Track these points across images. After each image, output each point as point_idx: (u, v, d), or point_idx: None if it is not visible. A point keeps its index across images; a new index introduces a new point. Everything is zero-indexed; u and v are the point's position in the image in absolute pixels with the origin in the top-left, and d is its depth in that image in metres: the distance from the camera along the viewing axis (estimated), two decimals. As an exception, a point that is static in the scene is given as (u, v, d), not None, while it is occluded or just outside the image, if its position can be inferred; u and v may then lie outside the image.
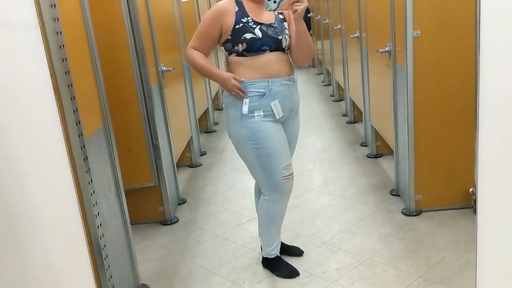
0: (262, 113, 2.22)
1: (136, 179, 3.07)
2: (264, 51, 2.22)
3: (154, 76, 3.17)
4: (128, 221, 2.38)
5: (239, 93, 2.21)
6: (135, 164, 3.03)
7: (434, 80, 2.79)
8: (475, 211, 1.31)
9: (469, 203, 2.95)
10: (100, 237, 2.00)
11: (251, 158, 2.28)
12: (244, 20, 2.20)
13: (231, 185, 3.83)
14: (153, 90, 3.05)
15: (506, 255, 1.21)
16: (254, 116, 2.22)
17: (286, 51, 2.31)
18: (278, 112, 2.24)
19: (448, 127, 2.85)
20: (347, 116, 5.59)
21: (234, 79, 2.21)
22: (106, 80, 2.26)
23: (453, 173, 2.92)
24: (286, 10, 2.23)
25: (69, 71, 1.79)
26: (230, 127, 2.30)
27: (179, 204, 3.52)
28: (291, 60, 2.36)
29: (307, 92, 7.45)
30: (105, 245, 2.04)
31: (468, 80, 2.72)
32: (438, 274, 2.35)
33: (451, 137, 2.87)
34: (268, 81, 2.21)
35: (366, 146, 4.41)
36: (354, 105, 5.24)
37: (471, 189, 2.90)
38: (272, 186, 2.31)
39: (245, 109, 2.21)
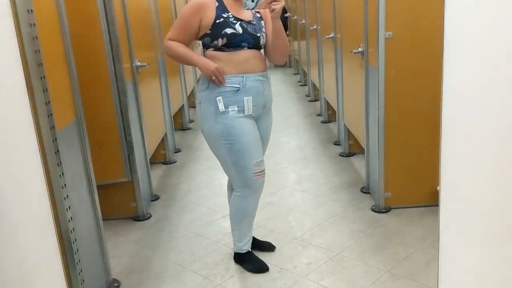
0: (236, 108, 2.24)
1: (109, 174, 3.05)
2: (242, 47, 2.24)
3: (129, 72, 3.16)
4: (100, 216, 2.37)
5: (219, 78, 2.20)
6: (108, 159, 3.02)
7: (405, 81, 2.86)
8: (439, 207, 1.36)
9: (436, 201, 3.02)
10: (71, 231, 1.99)
11: (223, 154, 2.31)
12: (224, 15, 2.23)
13: (205, 182, 3.84)
14: (127, 86, 3.04)
15: (466, 251, 1.26)
16: (228, 112, 2.24)
17: (261, 49, 2.35)
18: (249, 109, 2.26)
19: (417, 127, 2.93)
20: (321, 115, 5.66)
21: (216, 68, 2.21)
22: (79, 74, 2.25)
23: (422, 171, 3.00)
24: (263, 9, 2.27)
25: (41, 63, 1.78)
26: (203, 123, 2.32)
27: (152, 201, 3.51)
28: (267, 58, 2.40)
29: (283, 91, 7.51)
30: (75, 239, 2.03)
31: (437, 81, 2.78)
32: (405, 269, 2.41)
33: (420, 137, 2.94)
34: (243, 77, 2.24)
35: (339, 145, 4.48)
36: (328, 105, 5.31)
37: (438, 187, 2.98)
38: (244, 182, 2.34)
39: (221, 106, 2.23)
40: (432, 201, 3.04)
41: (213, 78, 2.22)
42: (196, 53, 2.34)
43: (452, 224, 1.34)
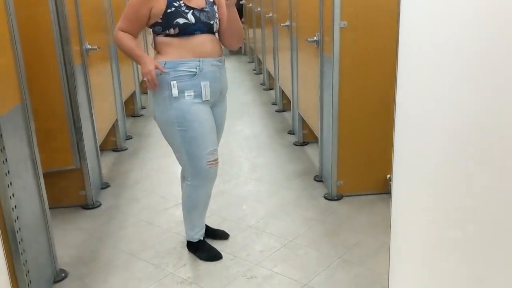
0: (192, 93, 2.19)
1: (57, 161, 2.94)
2: (196, 34, 2.20)
3: (78, 55, 3.03)
4: (46, 204, 2.28)
5: (151, 82, 2.13)
6: (55, 146, 2.90)
7: (359, 70, 2.90)
8: (391, 197, 1.39)
9: (386, 189, 3.11)
10: (15, 220, 1.90)
11: (177, 141, 2.25)
12: (176, 4, 2.16)
13: (157, 170, 3.77)
14: (76, 69, 2.92)
15: (417, 237, 1.29)
16: (184, 97, 2.18)
17: (215, 34, 2.31)
18: (206, 94, 2.22)
19: (370, 116, 2.98)
20: (276, 104, 5.67)
21: (156, 68, 2.14)
22: (26, 56, 2.15)
23: (373, 160, 3.06)
24: None
25: (-19, 42, 1.67)
26: (156, 109, 2.25)
27: (102, 189, 3.42)
28: (221, 43, 2.36)
29: (238, 79, 7.47)
30: (19, 228, 1.94)
31: (391, 70, 2.84)
32: (356, 255, 2.46)
33: (372, 126, 3.00)
34: (199, 61, 2.19)
35: (294, 134, 4.51)
36: (283, 94, 5.32)
37: (388, 176, 3.06)
38: (196, 171, 2.29)
39: (174, 91, 2.17)
40: (382, 188, 3.12)
41: (145, 79, 2.15)
42: (140, 48, 2.28)
43: (403, 211, 1.37)
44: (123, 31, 2.24)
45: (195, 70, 2.18)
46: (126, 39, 2.23)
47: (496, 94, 0.89)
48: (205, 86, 2.21)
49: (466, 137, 0.99)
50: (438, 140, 1.12)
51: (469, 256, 1.05)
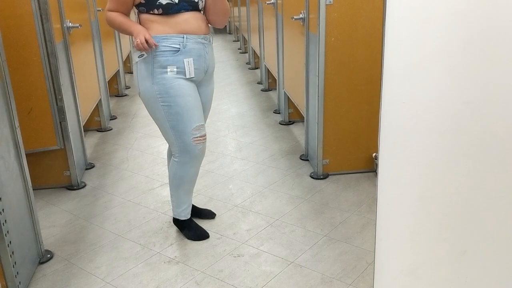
0: (175, 69, 2.16)
1: (39, 142, 2.89)
2: (180, 12, 2.16)
3: (59, 33, 2.96)
4: (30, 185, 2.25)
5: (145, 45, 2.08)
6: (38, 126, 2.85)
7: (344, 48, 2.88)
8: (377, 175, 1.39)
9: (372, 167, 3.13)
10: (-3, 201, 1.87)
11: (161, 117, 2.22)
12: None
13: (142, 150, 3.74)
14: (58, 48, 2.86)
15: (402, 214, 1.30)
16: (166, 72, 2.15)
17: (201, 11, 2.26)
18: (190, 71, 2.19)
19: (355, 94, 2.98)
20: (262, 84, 5.65)
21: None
22: (4, 34, 2.09)
23: (359, 138, 3.07)
24: None
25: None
26: (140, 84, 2.22)
27: (86, 169, 3.38)
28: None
29: (223, 58, 7.41)
30: (3, 209, 1.92)
31: (376, 49, 2.84)
32: (342, 233, 2.49)
33: (358, 105, 3.00)
34: (183, 37, 2.15)
35: (279, 113, 4.50)
36: (269, 73, 5.29)
37: (374, 154, 3.08)
38: (183, 148, 2.27)
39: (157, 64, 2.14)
40: (368, 167, 3.14)
41: (138, 41, 2.09)
42: (134, 22, 2.23)
43: (389, 188, 1.37)
44: (112, 11, 2.21)
45: (178, 46, 2.15)
46: (118, 16, 2.21)
47: (485, 70, 0.89)
48: (188, 63, 2.17)
49: (453, 114, 0.99)
50: (424, 118, 1.12)
51: (454, 231, 1.06)
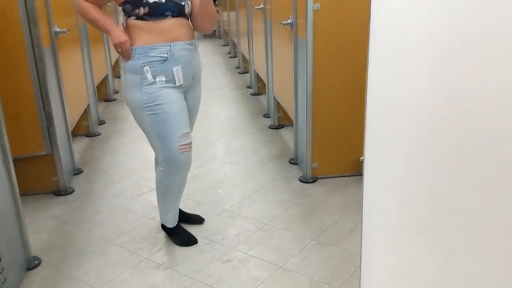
0: (164, 79, 2.16)
1: (27, 147, 2.88)
2: (166, 16, 2.16)
3: (47, 38, 2.96)
4: (17, 190, 2.24)
5: (125, 52, 2.13)
6: (25, 131, 2.84)
7: (332, 53, 2.90)
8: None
9: (360, 171, 3.15)
10: (-16, 208, 1.86)
11: (148, 126, 2.22)
12: None
13: (131, 155, 3.73)
14: (45, 53, 2.85)
15: (387, 218, 1.31)
16: (155, 82, 2.15)
17: (187, 17, 2.27)
18: (179, 79, 2.19)
19: (343, 99, 3.00)
20: (251, 88, 5.66)
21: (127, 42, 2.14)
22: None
23: (347, 142, 3.09)
24: None
25: None
26: (128, 94, 2.22)
27: (75, 174, 3.37)
28: (193, 27, 2.33)
29: (213, 63, 7.41)
30: (-11, 216, 1.90)
31: (364, 53, 2.86)
32: (330, 236, 2.50)
33: (346, 109, 3.02)
34: (170, 45, 2.16)
35: (269, 117, 4.51)
36: (258, 77, 5.31)
37: (361, 158, 3.10)
38: (168, 157, 2.26)
39: (149, 77, 2.14)
40: (356, 170, 3.16)
41: (119, 50, 2.15)
42: (109, 19, 2.23)
43: (374, 192, 1.38)
44: (86, 1, 2.19)
45: (166, 55, 2.15)
46: (92, 9, 2.19)
47: (467, 74, 0.90)
48: (177, 71, 2.18)
49: (437, 119, 1.01)
50: (408, 123, 1.13)
51: (438, 236, 1.07)
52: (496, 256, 0.97)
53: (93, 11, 2.19)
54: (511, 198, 0.89)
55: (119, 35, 2.13)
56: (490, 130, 0.89)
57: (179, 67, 2.18)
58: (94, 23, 2.23)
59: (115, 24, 2.21)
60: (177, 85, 2.20)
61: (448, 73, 0.96)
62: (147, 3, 2.10)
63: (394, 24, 1.16)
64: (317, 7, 2.78)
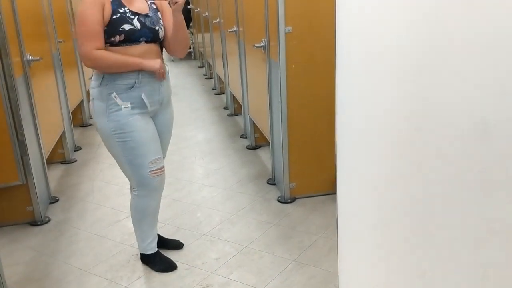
0: (129, 105, 2.17)
1: (1, 177, 2.83)
2: (140, 42, 2.17)
3: (19, 67, 2.93)
4: (-10, 223, 2.19)
5: (163, 75, 2.22)
6: (-2, 161, 2.79)
7: (305, 75, 2.95)
8: (337, 198, 1.43)
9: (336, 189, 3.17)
10: (-45, 243, 1.81)
11: (117, 153, 2.22)
12: (121, 11, 2.13)
13: (108, 181, 3.69)
14: (17, 82, 2.82)
15: (362, 237, 1.33)
16: (121, 109, 2.16)
17: (159, 42, 2.29)
18: (145, 105, 2.20)
19: (318, 119, 3.04)
20: (228, 109, 5.68)
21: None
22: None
23: (323, 161, 3.12)
24: (162, 0, 2.22)
25: None
26: (97, 120, 2.22)
27: (50, 203, 3.31)
28: (166, 51, 2.35)
29: (189, 84, 7.43)
30: (-39, 252, 1.86)
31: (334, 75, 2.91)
32: (310, 257, 2.51)
33: (320, 129, 3.06)
34: (138, 73, 2.17)
35: (246, 138, 4.53)
36: (234, 98, 5.33)
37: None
38: (140, 181, 2.27)
39: (119, 101, 2.14)
40: (333, 189, 3.18)
41: (162, 71, 2.21)
42: (131, 56, 2.15)
43: (348, 210, 1.40)
44: (99, 49, 2.09)
45: (133, 82, 2.16)
46: (109, 54, 2.11)
47: (435, 94, 0.93)
48: (143, 98, 2.19)
49: (405, 137, 1.03)
50: (378, 140, 1.16)
51: (413, 254, 1.09)
52: (470, 271, 0.99)
53: (112, 55, 2.11)
54: (481, 212, 0.91)
55: (153, 63, 2.17)
56: (466, 147, 0.91)
57: (144, 94, 2.19)
58: (119, 64, 2.13)
59: (136, 57, 2.16)
60: (143, 111, 2.20)
61: (417, 97, 0.99)
62: (123, 31, 2.11)
63: (357, 41, 1.19)
64: (289, 30, 2.84)
